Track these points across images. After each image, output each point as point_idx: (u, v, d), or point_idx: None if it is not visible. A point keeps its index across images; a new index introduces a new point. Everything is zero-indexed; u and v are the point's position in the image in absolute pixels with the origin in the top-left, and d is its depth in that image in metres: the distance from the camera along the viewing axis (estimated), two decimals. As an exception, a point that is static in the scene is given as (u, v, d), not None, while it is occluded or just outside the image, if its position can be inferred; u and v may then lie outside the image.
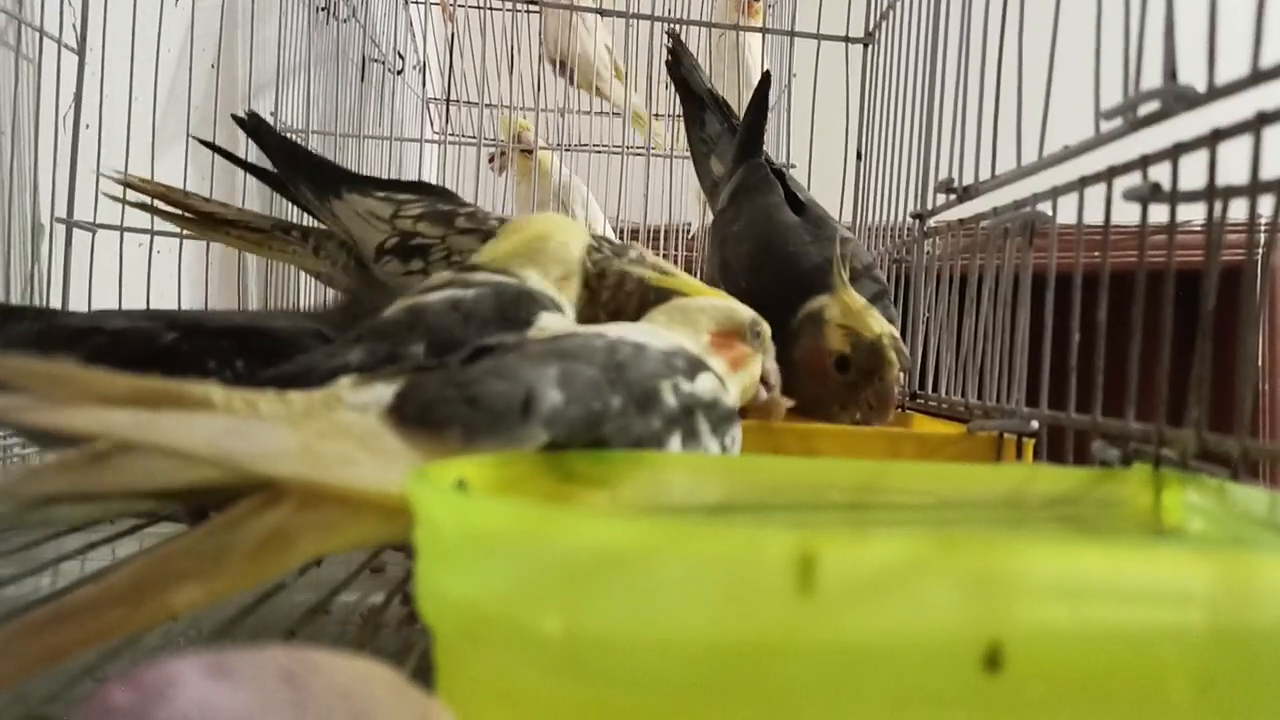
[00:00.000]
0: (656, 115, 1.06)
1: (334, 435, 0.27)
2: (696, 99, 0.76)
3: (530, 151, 1.05)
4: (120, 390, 0.25)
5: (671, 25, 0.88)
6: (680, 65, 0.77)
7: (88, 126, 0.66)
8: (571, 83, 1.14)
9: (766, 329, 0.42)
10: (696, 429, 0.34)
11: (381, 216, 0.54)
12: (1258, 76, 0.31)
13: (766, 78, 0.67)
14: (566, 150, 1.07)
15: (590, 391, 0.31)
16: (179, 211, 0.59)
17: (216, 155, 0.65)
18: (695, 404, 0.34)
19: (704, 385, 0.35)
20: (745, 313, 0.41)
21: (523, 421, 0.29)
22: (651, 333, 0.38)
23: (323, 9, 0.96)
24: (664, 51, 0.81)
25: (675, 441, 0.33)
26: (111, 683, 0.17)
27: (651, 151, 0.96)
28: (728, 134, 0.74)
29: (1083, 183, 0.42)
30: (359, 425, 0.27)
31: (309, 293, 0.91)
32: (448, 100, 1.01)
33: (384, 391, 0.29)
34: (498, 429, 0.29)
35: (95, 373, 0.25)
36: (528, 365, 0.31)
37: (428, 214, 0.55)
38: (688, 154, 0.79)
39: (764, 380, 0.42)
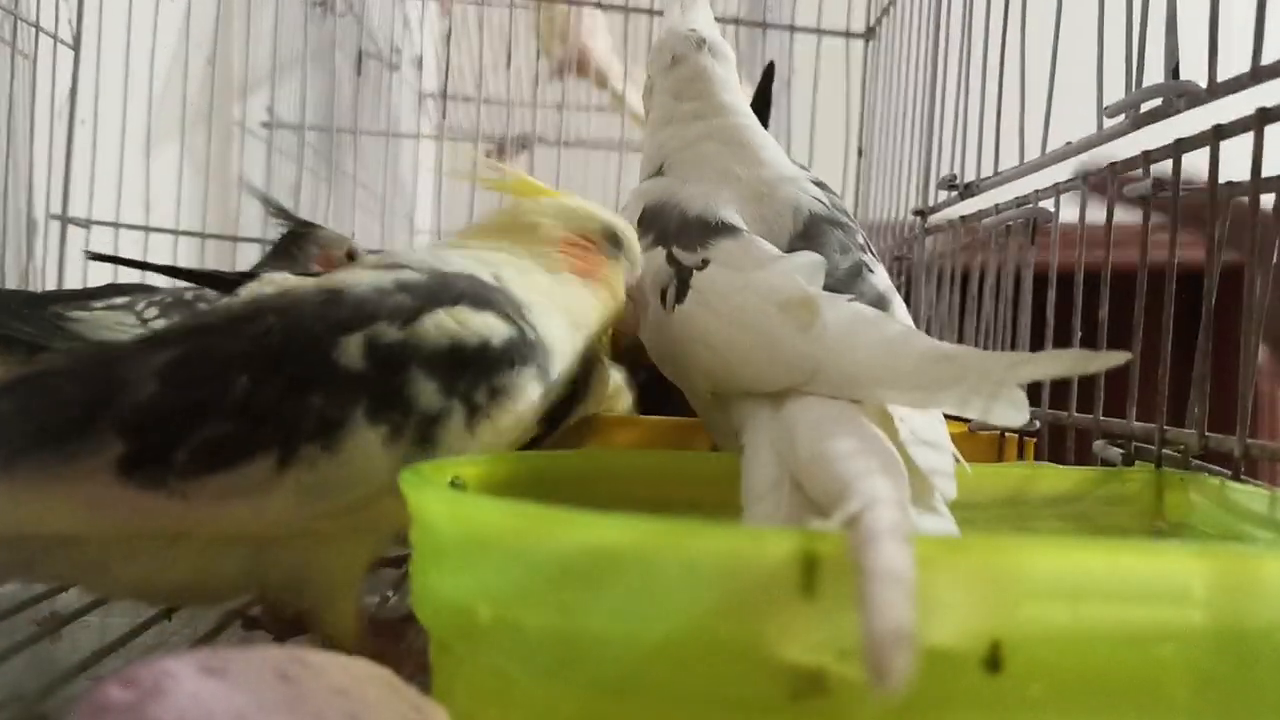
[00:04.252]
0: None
1: None
2: None
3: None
4: None
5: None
6: None
7: (83, 122, 0.66)
8: (572, 75, 1.13)
9: (631, 237, 0.36)
10: (405, 391, 0.27)
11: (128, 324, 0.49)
12: (1259, 74, 0.30)
13: (770, 70, 0.66)
14: (565, 146, 1.07)
15: (202, 374, 0.25)
16: None
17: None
18: (410, 354, 0.27)
19: (432, 325, 0.28)
20: (602, 216, 0.35)
21: (83, 429, 0.24)
22: (390, 267, 0.30)
23: (319, 4, 0.96)
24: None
25: (360, 414, 0.26)
26: (107, 680, 0.17)
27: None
28: None
29: (1085, 179, 0.42)
30: None
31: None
32: (444, 95, 1.00)
33: None
34: (47, 444, 0.24)
35: None
36: (126, 357, 0.26)
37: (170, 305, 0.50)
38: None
39: (629, 295, 0.35)
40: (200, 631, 0.35)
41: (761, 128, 0.42)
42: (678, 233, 0.36)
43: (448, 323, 0.28)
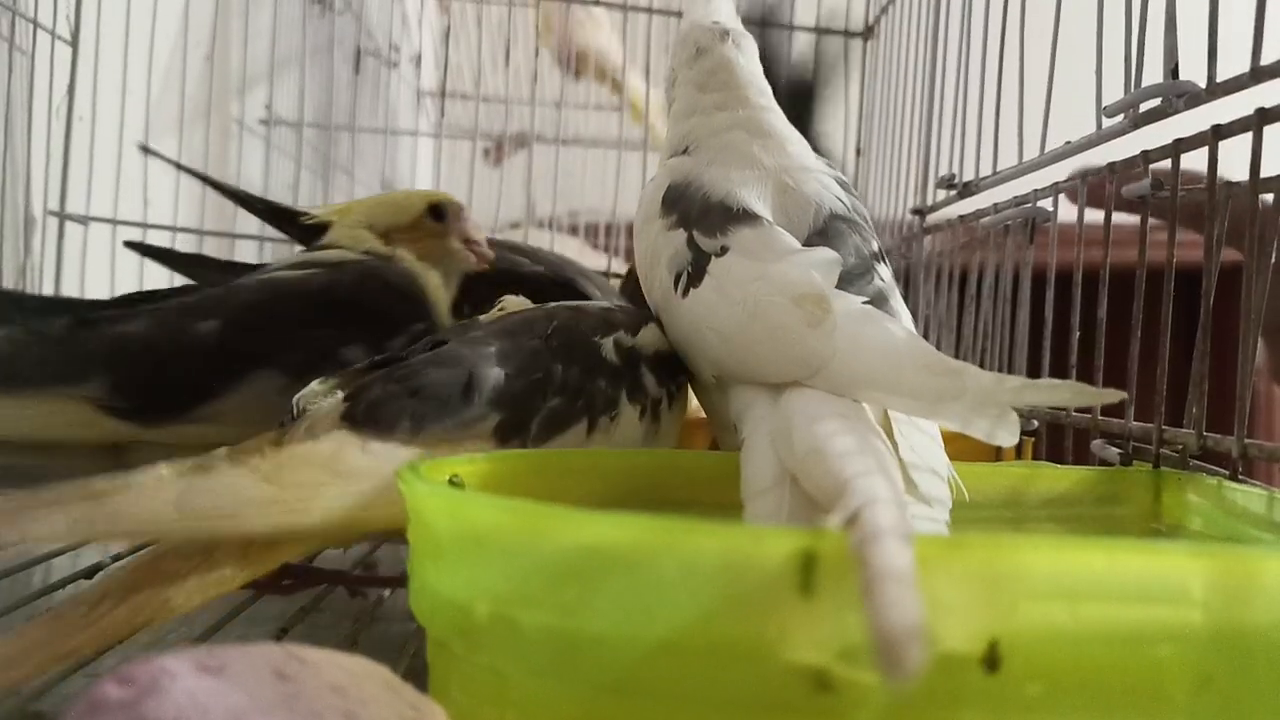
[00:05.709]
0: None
1: (295, 466, 0.27)
2: None
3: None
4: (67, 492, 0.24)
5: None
6: None
7: (81, 119, 0.66)
8: (576, 77, 1.13)
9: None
10: (641, 381, 0.35)
11: None
12: (1258, 74, 0.30)
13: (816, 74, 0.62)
14: (564, 145, 1.07)
15: (531, 362, 0.33)
16: None
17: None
18: (638, 357, 0.36)
19: (647, 338, 0.37)
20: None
21: (467, 403, 0.31)
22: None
23: (317, 1, 0.96)
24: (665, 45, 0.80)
25: (624, 396, 0.35)
26: (104, 678, 0.17)
27: (649, 147, 0.96)
28: None
29: (1084, 179, 0.42)
30: (317, 452, 0.28)
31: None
32: (443, 93, 1.00)
33: (333, 400, 0.31)
34: (444, 414, 0.30)
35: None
36: (467, 348, 0.33)
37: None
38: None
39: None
40: (197, 629, 0.35)
41: (786, 119, 0.41)
42: (699, 217, 0.36)
43: (653, 334, 0.37)
